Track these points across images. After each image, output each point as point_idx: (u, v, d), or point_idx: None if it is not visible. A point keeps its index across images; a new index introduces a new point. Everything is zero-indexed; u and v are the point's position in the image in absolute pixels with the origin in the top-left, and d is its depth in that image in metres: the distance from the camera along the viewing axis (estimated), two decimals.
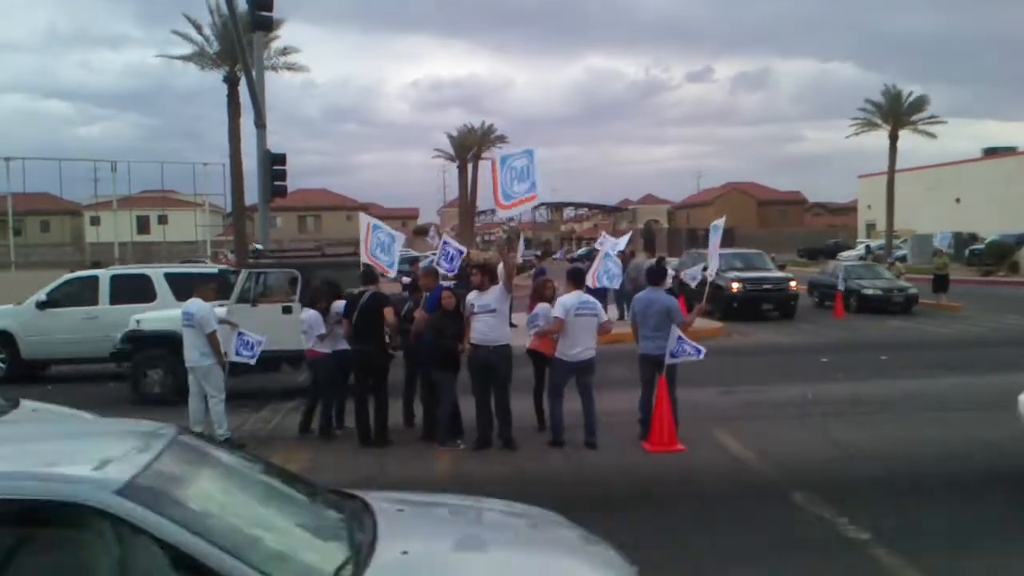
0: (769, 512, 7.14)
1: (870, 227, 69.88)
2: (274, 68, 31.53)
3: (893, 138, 47.50)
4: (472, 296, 9.35)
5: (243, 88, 24.26)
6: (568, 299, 9.34)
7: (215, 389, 9.65)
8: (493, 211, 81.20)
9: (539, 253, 38.46)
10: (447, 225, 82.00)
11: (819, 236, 73.32)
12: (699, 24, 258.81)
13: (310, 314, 10.06)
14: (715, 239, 11.62)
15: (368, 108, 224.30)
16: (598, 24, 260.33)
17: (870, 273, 26.26)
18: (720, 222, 11.76)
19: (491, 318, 9.17)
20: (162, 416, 10.94)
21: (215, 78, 31.72)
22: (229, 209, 34.50)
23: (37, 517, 2.99)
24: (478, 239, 70.73)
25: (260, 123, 19.75)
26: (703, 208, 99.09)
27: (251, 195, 25.48)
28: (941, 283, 26.07)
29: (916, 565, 5.88)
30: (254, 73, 19.68)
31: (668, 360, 9.27)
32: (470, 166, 64.34)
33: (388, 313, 9.57)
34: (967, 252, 44.34)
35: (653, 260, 21.89)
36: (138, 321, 12.86)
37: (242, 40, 19.79)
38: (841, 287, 24.17)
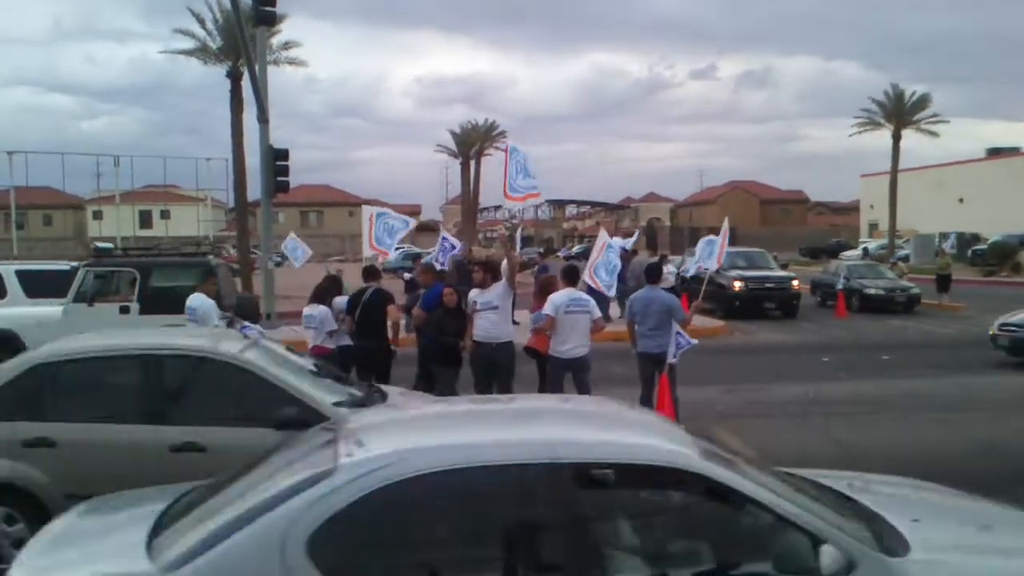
0: None
1: (872, 227, 69.82)
2: (276, 63, 31.55)
3: (896, 137, 47.47)
4: (474, 293, 9.34)
5: (246, 83, 24.29)
6: (558, 297, 9.30)
7: None
8: (496, 208, 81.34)
9: (542, 250, 38.40)
10: (450, 222, 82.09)
11: (821, 235, 73.31)
12: (703, 21, 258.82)
13: (321, 310, 10.04)
14: (721, 239, 11.74)
15: (371, 104, 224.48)
16: (602, 21, 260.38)
17: (872, 273, 26.25)
18: (726, 224, 11.94)
19: (494, 315, 9.16)
20: None
21: (218, 73, 31.75)
22: (231, 204, 34.47)
23: (648, 478, 3.92)
24: (480, 236, 70.71)
25: (263, 118, 19.73)
26: (706, 206, 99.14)
27: (253, 190, 25.54)
28: (943, 283, 26.05)
29: None
30: (257, 68, 19.66)
31: (670, 359, 9.26)
32: (473, 163, 64.37)
33: (391, 310, 9.57)
34: (970, 252, 44.30)
35: (656, 258, 21.97)
36: None
37: (245, 35, 19.78)
38: (841, 286, 24.15)
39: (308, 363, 7.14)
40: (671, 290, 16.30)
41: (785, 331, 20.45)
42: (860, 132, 49.20)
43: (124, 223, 32.00)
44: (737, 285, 22.51)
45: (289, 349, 7.73)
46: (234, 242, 41.56)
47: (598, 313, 9.45)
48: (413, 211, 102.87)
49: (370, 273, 10.08)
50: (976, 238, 47.99)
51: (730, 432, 9.76)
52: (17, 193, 26.20)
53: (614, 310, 18.98)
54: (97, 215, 67.99)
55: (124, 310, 12.17)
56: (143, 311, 12.33)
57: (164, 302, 12.52)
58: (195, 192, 35.42)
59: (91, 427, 5.90)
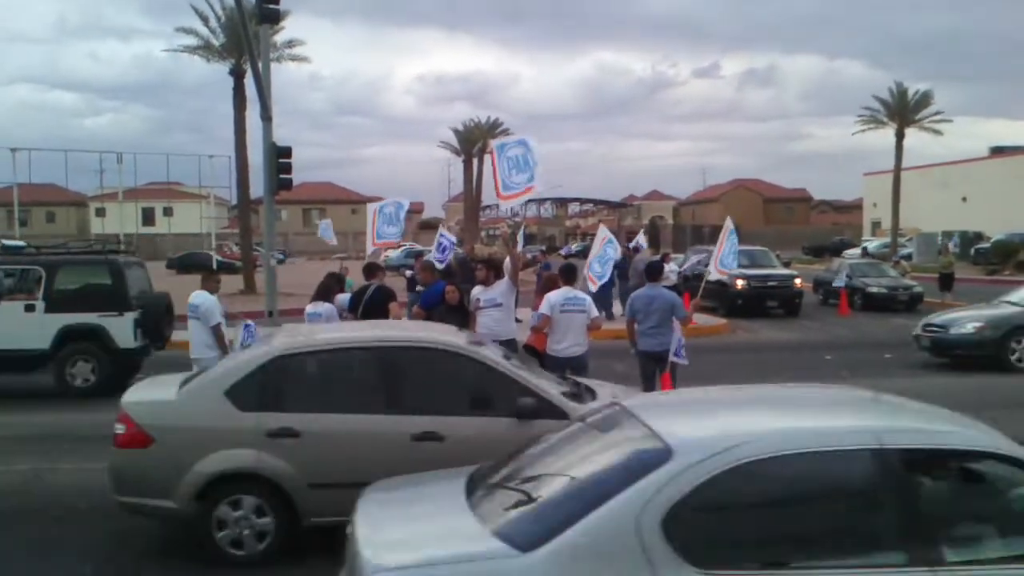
0: None
1: (875, 225, 69.76)
2: (279, 60, 31.57)
3: (899, 136, 47.44)
4: (477, 291, 9.35)
5: (249, 81, 24.28)
6: (554, 295, 9.30)
7: None
8: (498, 206, 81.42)
9: (544, 248, 38.44)
10: (452, 219, 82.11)
11: (825, 234, 73.27)
12: (707, 20, 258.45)
13: (326, 307, 10.04)
14: (723, 238, 11.76)
15: (374, 101, 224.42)
16: (605, 19, 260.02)
17: (875, 271, 26.24)
18: (727, 223, 12.01)
19: (497, 312, 9.16)
20: None
21: (221, 70, 31.82)
22: (234, 202, 34.50)
23: (956, 463, 4.15)
24: (483, 233, 70.70)
25: (266, 116, 19.73)
26: (709, 205, 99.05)
27: (256, 188, 25.55)
28: (946, 282, 26.03)
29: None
30: (260, 65, 19.66)
31: (672, 358, 9.27)
32: (475, 160, 64.32)
33: (394, 307, 9.58)
34: (973, 251, 44.26)
35: (657, 256, 21.96)
36: None
37: (248, 32, 19.79)
38: (841, 284, 24.14)
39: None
40: (673, 288, 16.33)
41: (787, 329, 20.45)
42: (863, 131, 49.22)
43: (127, 220, 32.06)
44: (740, 283, 22.52)
45: None
46: (237, 239, 41.65)
47: (595, 312, 9.43)
48: (415, 209, 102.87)
49: (372, 270, 10.08)
50: (979, 237, 47.95)
51: None
52: (20, 190, 26.20)
53: (616, 308, 19.00)
54: (100, 212, 68.02)
55: (29, 308, 12.17)
56: (48, 310, 12.29)
57: (69, 301, 12.57)
58: (198, 189, 35.44)
59: (333, 417, 6.03)
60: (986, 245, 44.12)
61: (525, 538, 3.49)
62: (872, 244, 54.41)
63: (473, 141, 64.68)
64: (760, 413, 4.55)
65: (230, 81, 30.90)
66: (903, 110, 46.98)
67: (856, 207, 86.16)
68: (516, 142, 9.88)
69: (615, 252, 14.34)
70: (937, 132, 47.45)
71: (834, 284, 24.32)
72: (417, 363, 6.48)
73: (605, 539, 3.47)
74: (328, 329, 7.72)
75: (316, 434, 5.91)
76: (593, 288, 12.51)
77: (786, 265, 28.27)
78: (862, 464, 3.82)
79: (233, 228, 50.88)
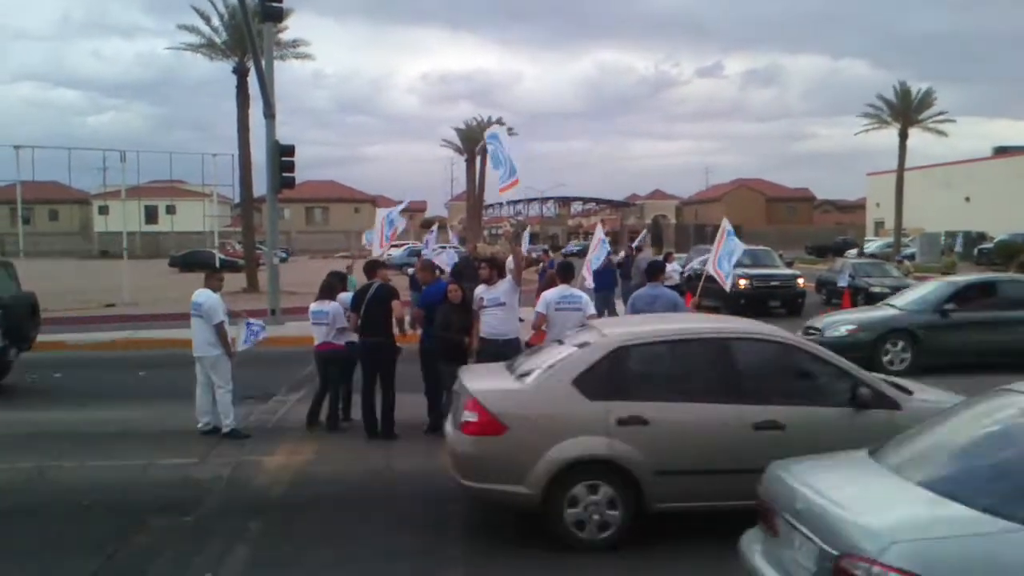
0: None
1: (879, 225, 69.64)
2: (283, 58, 31.56)
3: (903, 136, 47.35)
4: (480, 290, 9.34)
5: (252, 79, 24.30)
6: (550, 294, 9.35)
7: (222, 380, 9.67)
8: (501, 204, 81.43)
9: (547, 248, 38.47)
10: (455, 218, 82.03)
11: (828, 234, 73.11)
12: (710, 19, 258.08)
13: (333, 306, 10.04)
14: (720, 239, 11.91)
15: (377, 100, 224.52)
16: (607, 18, 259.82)
17: (878, 271, 26.18)
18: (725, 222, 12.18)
19: (500, 311, 9.16)
20: (170, 405, 11.04)
21: (224, 68, 31.79)
22: (237, 200, 34.48)
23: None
24: (485, 233, 70.66)
25: (269, 114, 19.77)
26: (712, 204, 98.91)
27: (259, 186, 25.52)
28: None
29: None
30: (263, 63, 19.68)
31: None
32: (478, 159, 64.24)
33: (396, 306, 9.58)
34: (976, 251, 44.18)
35: (658, 256, 21.94)
36: None
37: (252, 30, 19.80)
38: (843, 283, 24.09)
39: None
40: (675, 288, 16.33)
41: (790, 329, 20.12)
42: (867, 130, 49.10)
43: (130, 218, 32.03)
44: (742, 283, 22.48)
45: None
46: (239, 237, 41.63)
47: (591, 310, 9.45)
48: (418, 208, 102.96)
49: (373, 269, 10.08)
50: (982, 237, 47.87)
51: None
52: (23, 188, 26.23)
53: (620, 308, 18.98)
54: (103, 210, 67.97)
55: None
56: None
57: None
58: (201, 187, 35.43)
59: (679, 406, 6.30)
60: (989, 245, 44.05)
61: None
62: (873, 245, 54.26)
63: (475, 140, 64.51)
64: None
65: (233, 79, 30.89)
66: (906, 110, 46.88)
67: (859, 207, 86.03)
68: (489, 137, 9.96)
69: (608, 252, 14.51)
70: (941, 133, 47.36)
71: (839, 284, 24.26)
72: (755, 354, 6.80)
73: None
74: (658, 321, 8.10)
75: (664, 422, 6.18)
76: (589, 284, 12.59)
77: (789, 265, 28.22)
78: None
79: (236, 226, 50.84)
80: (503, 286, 9.30)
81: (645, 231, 34.89)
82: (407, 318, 10.06)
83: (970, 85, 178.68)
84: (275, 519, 7.06)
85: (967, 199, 59.93)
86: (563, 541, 6.09)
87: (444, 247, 23.37)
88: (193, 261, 43.86)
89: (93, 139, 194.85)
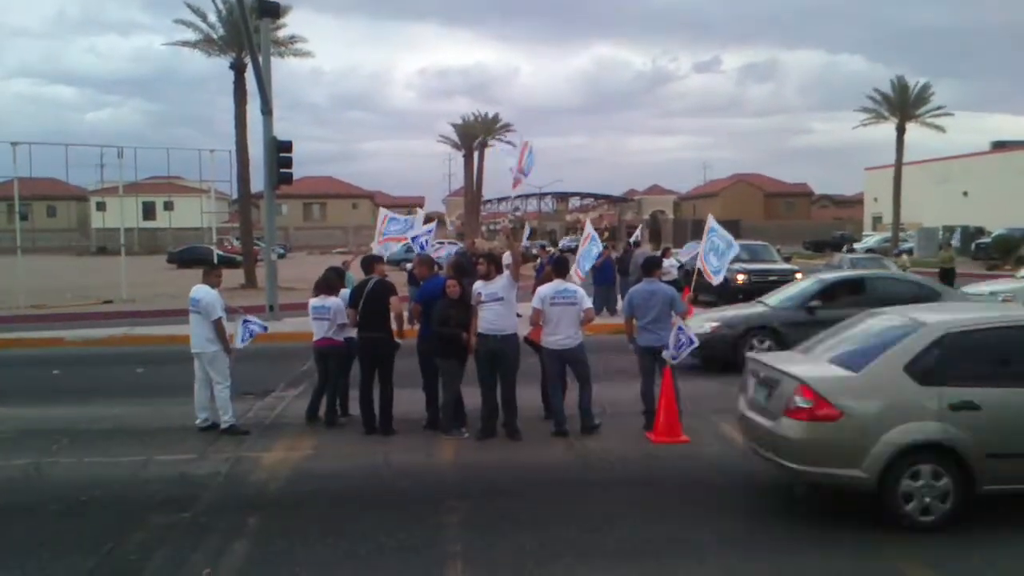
0: (774, 503, 7.16)
1: (877, 220, 69.71)
2: (281, 54, 31.49)
3: (900, 130, 47.41)
4: (479, 285, 9.33)
5: (250, 75, 24.24)
6: (545, 289, 9.40)
7: (220, 376, 9.66)
8: (499, 200, 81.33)
9: (545, 244, 38.46)
10: (453, 214, 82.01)
11: (825, 228, 73.14)
12: (707, 14, 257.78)
13: (334, 301, 10.02)
14: (704, 235, 12.32)
15: (375, 96, 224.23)
16: (605, 13, 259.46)
17: (876, 266, 26.20)
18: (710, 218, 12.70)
19: (499, 307, 9.16)
20: (168, 402, 11.05)
21: (222, 64, 31.74)
22: (235, 196, 34.42)
23: None
24: (483, 228, 70.67)
25: (267, 110, 19.74)
26: (709, 199, 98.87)
27: (257, 182, 25.50)
28: (947, 277, 26.03)
29: (921, 559, 5.90)
30: (261, 60, 19.65)
31: (670, 361, 9.27)
32: (476, 154, 64.23)
33: (394, 302, 9.57)
34: (973, 246, 44.21)
35: (656, 251, 21.92)
36: None
37: (249, 26, 19.77)
38: None
39: None
40: (673, 283, 16.33)
41: None
42: (864, 125, 49.14)
43: (128, 214, 31.84)
44: (740, 278, 22.47)
45: None
46: (237, 233, 41.55)
47: (587, 304, 9.48)
48: (416, 203, 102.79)
49: (370, 265, 10.07)
50: (980, 232, 47.91)
51: (732, 424, 9.78)
52: (21, 184, 26.07)
53: (620, 303, 19.00)
54: (101, 206, 67.82)
55: None
56: None
57: None
58: (198, 184, 35.32)
59: (1010, 391, 6.52)
60: (987, 240, 44.07)
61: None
62: (871, 240, 54.28)
63: (473, 135, 64.58)
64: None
65: (231, 75, 30.85)
66: (904, 104, 46.93)
67: (857, 202, 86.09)
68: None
69: (598, 248, 14.59)
70: (938, 128, 47.43)
71: None
72: None
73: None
74: (977, 308, 8.69)
75: (995, 407, 6.41)
76: (579, 282, 12.66)
77: (787, 260, 28.21)
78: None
79: (234, 222, 50.74)
80: (501, 281, 9.30)
81: (641, 226, 34.86)
82: (405, 314, 10.05)
83: (968, 80, 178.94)
84: (273, 515, 7.05)
85: (965, 194, 59.96)
86: (900, 523, 6.33)
87: (442, 243, 23.37)
88: (191, 257, 43.78)
89: (90, 135, 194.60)
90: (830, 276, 15.63)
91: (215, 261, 21.17)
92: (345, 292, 10.26)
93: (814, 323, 13.40)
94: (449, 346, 9.26)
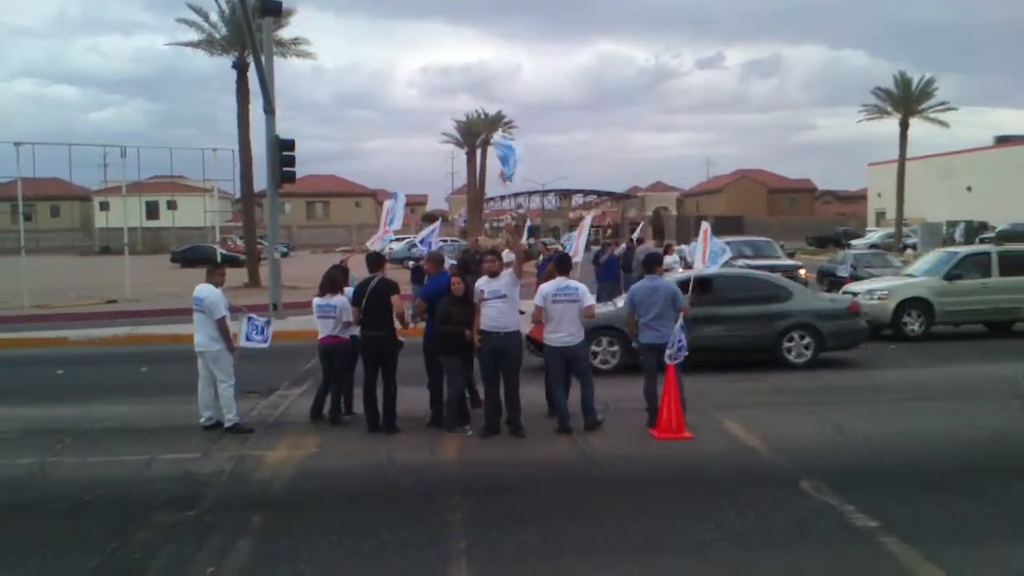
0: (776, 499, 7.14)
1: (880, 215, 69.59)
2: (284, 55, 31.50)
3: (904, 126, 47.31)
4: (482, 282, 9.32)
5: (252, 74, 24.25)
6: (547, 286, 9.40)
7: (225, 374, 9.67)
8: (502, 197, 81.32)
9: (546, 241, 38.44)
10: (456, 211, 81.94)
11: (829, 224, 73.04)
12: (710, 10, 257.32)
13: (340, 299, 10.01)
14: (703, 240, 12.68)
15: (377, 94, 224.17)
16: (607, 9, 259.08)
17: (880, 261, 26.14)
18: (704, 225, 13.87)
19: (502, 304, 9.16)
20: (172, 401, 11.07)
21: (224, 64, 31.76)
22: (238, 195, 34.46)
23: None
24: (486, 225, 70.61)
25: (269, 109, 19.74)
26: (713, 195, 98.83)
27: (260, 181, 25.47)
28: None
29: (925, 554, 5.88)
30: (263, 59, 19.65)
31: (668, 361, 9.25)
32: (479, 152, 64.15)
33: (396, 300, 9.56)
34: (977, 241, 44.05)
35: (659, 248, 21.91)
36: None
37: (251, 26, 19.76)
38: (844, 274, 24.03)
39: None
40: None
41: None
42: (868, 120, 49.06)
43: (131, 214, 31.98)
44: None
45: None
46: (240, 232, 41.60)
47: (589, 301, 9.46)
48: (419, 201, 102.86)
49: (375, 262, 10.06)
50: (984, 226, 47.78)
51: (736, 420, 9.78)
52: (24, 184, 26.13)
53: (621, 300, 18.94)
54: (104, 206, 67.99)
55: None
56: None
57: None
58: (202, 183, 35.34)
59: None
60: (991, 235, 43.96)
61: None
62: (875, 235, 54.13)
63: (476, 133, 64.49)
64: None
65: (233, 74, 30.86)
66: (907, 100, 46.84)
67: (861, 197, 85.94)
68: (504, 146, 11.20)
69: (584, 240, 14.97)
70: (942, 123, 47.33)
71: (839, 274, 24.20)
72: None
73: None
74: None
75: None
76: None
77: (790, 255, 28.17)
78: None
79: (237, 221, 50.88)
80: (504, 279, 9.29)
81: (643, 222, 34.82)
82: (408, 312, 10.05)
83: (972, 75, 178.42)
84: (277, 513, 7.06)
85: (969, 189, 59.83)
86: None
87: (446, 241, 23.36)
88: (194, 256, 43.84)
89: (94, 135, 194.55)
90: (679, 276, 14.45)
91: (218, 260, 21.21)
92: (349, 290, 10.26)
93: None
94: (452, 344, 9.26)
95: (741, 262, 23.00)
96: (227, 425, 9.65)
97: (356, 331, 9.90)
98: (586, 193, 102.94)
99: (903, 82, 47.14)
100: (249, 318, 10.51)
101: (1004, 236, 41.73)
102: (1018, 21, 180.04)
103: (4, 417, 10.66)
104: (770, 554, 6.01)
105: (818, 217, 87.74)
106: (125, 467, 8.42)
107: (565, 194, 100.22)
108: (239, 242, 47.04)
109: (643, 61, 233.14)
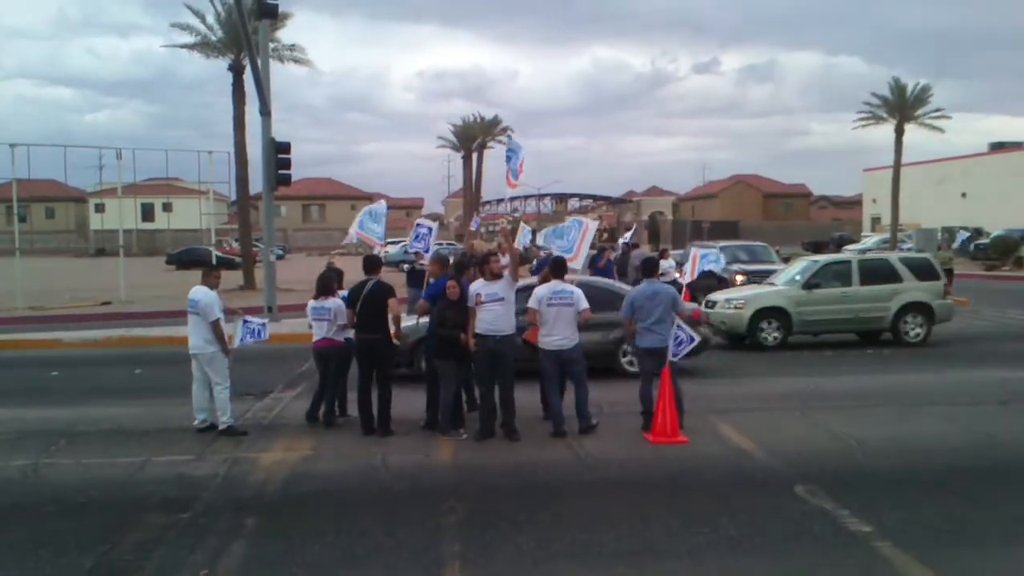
0: (771, 504, 7.15)
1: (875, 221, 69.72)
2: (280, 59, 31.48)
3: (899, 132, 47.42)
4: (479, 285, 9.33)
5: (248, 77, 24.25)
6: (542, 290, 9.42)
7: (220, 376, 9.66)
8: (498, 201, 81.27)
9: (541, 244, 38.42)
10: (452, 215, 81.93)
11: (824, 229, 73.18)
12: (706, 15, 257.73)
13: (335, 302, 10.01)
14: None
15: (373, 97, 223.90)
16: (604, 15, 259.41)
17: None
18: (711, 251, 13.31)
19: (500, 307, 9.17)
20: (166, 403, 11.05)
21: (221, 66, 31.75)
22: (234, 197, 34.44)
23: None
24: (482, 229, 70.64)
25: (265, 111, 19.74)
26: (709, 200, 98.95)
27: (256, 183, 25.49)
28: (946, 277, 25.96)
29: (919, 558, 5.89)
30: (259, 62, 19.66)
31: (673, 359, 9.27)
32: (475, 156, 64.21)
33: (393, 303, 9.56)
34: (972, 247, 44.22)
35: (654, 253, 21.95)
36: None
37: (247, 28, 19.77)
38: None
39: None
40: (672, 283, 16.41)
41: None
42: (863, 126, 49.18)
43: (126, 216, 31.86)
44: (739, 279, 22.54)
45: None
46: (236, 235, 41.54)
47: (584, 304, 9.46)
48: (415, 204, 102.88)
49: (371, 265, 10.05)
50: (979, 232, 47.93)
51: (731, 424, 9.79)
52: (19, 186, 26.08)
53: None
54: (99, 208, 67.79)
55: None
56: None
57: None
58: (197, 185, 35.27)
59: None
60: (985, 241, 44.09)
61: None
62: (870, 241, 54.19)
63: (472, 137, 64.63)
64: None
65: (230, 77, 30.85)
66: (902, 106, 46.96)
67: (856, 203, 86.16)
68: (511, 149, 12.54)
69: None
70: (937, 129, 47.46)
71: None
72: None
73: None
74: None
75: None
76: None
77: (785, 260, 28.21)
78: None
79: (232, 224, 50.82)
80: (502, 281, 9.30)
81: (636, 226, 34.81)
82: (403, 315, 10.05)
83: (967, 81, 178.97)
84: (271, 515, 7.05)
85: (963, 195, 60.02)
86: None
87: (441, 244, 23.35)
88: (190, 258, 43.79)
89: (89, 137, 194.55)
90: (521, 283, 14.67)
91: (214, 262, 21.20)
92: (343, 293, 10.26)
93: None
94: (447, 347, 9.27)
95: (736, 266, 23.11)
96: (221, 427, 9.64)
97: (351, 334, 9.90)
98: (582, 197, 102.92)
99: (898, 88, 47.27)
100: (245, 320, 10.50)
101: (999, 242, 41.92)
102: (1014, 28, 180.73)
103: None
104: (764, 559, 6.02)
105: (813, 222, 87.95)
106: (119, 469, 8.41)
107: (561, 198, 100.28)
108: (234, 244, 47.00)
109: (639, 66, 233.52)
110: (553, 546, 6.20)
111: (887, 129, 48.08)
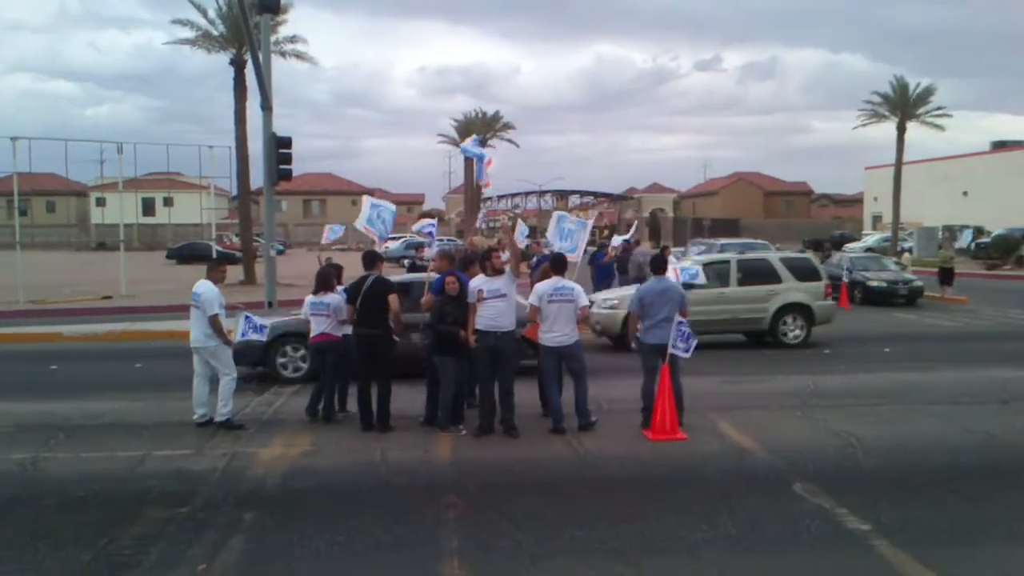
0: (770, 502, 7.15)
1: (876, 219, 69.67)
2: (282, 54, 31.47)
3: (901, 130, 47.36)
4: (480, 281, 9.32)
5: (250, 71, 24.21)
6: (542, 286, 9.42)
7: (226, 367, 9.68)
8: (499, 198, 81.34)
9: (541, 241, 38.41)
10: (452, 211, 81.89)
11: (825, 227, 73.21)
12: (709, 12, 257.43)
13: (335, 298, 10.01)
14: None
15: (375, 93, 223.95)
16: (606, 12, 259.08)
17: (876, 265, 26.21)
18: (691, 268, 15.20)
19: (501, 303, 9.17)
20: (166, 397, 11.06)
21: (222, 61, 31.75)
22: (235, 192, 34.46)
23: None
24: (482, 226, 70.64)
25: (266, 106, 19.70)
26: (709, 198, 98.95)
27: (257, 178, 25.49)
28: (947, 276, 26.02)
29: (917, 557, 5.89)
30: (260, 56, 19.61)
31: (682, 354, 9.26)
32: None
33: (393, 300, 9.55)
34: (973, 245, 44.23)
35: (657, 250, 21.95)
36: None
37: (249, 22, 19.73)
38: (844, 278, 24.10)
39: None
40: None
41: None
42: (865, 124, 49.12)
43: (127, 210, 31.85)
44: None
45: None
46: (237, 230, 41.55)
47: (584, 301, 9.47)
48: (416, 200, 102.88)
49: (371, 261, 10.04)
50: (980, 231, 47.91)
51: (730, 422, 9.79)
52: (20, 179, 26.08)
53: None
54: (100, 202, 67.95)
55: None
56: None
57: None
58: (198, 180, 35.28)
59: None
60: (986, 239, 44.08)
61: None
62: (871, 239, 54.24)
63: (473, 133, 64.52)
64: None
65: (231, 71, 30.85)
66: (904, 104, 46.90)
67: (857, 201, 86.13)
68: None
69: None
70: (938, 127, 47.40)
71: (844, 279, 24.20)
72: None
73: None
74: None
75: None
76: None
77: None
78: None
79: (233, 218, 50.89)
80: (504, 277, 9.30)
81: (636, 224, 34.76)
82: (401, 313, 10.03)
83: (969, 80, 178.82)
84: (270, 510, 7.04)
85: (965, 193, 59.96)
86: None
87: (442, 240, 23.35)
88: (190, 253, 43.84)
89: (90, 131, 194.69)
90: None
91: (214, 257, 21.18)
92: (340, 288, 10.25)
93: None
94: (446, 343, 9.26)
95: None
96: (218, 419, 9.63)
97: (348, 329, 9.90)
98: (583, 194, 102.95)
99: (900, 87, 47.21)
100: (246, 317, 10.50)
101: (1000, 241, 41.91)
102: (1015, 27, 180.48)
103: None
104: (762, 556, 6.02)
105: (814, 220, 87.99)
106: (118, 463, 8.41)
107: (562, 195, 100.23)
108: (235, 239, 47.01)
109: (641, 63, 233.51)
110: (552, 543, 6.20)
111: (889, 127, 48.05)
